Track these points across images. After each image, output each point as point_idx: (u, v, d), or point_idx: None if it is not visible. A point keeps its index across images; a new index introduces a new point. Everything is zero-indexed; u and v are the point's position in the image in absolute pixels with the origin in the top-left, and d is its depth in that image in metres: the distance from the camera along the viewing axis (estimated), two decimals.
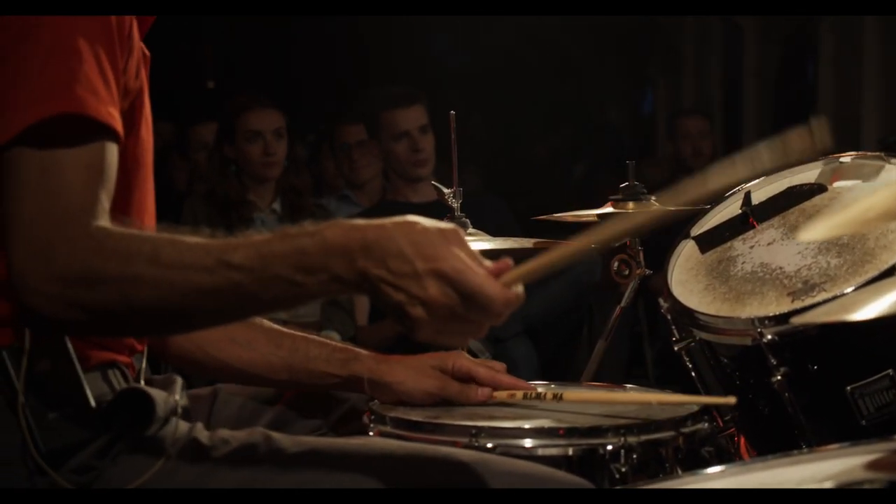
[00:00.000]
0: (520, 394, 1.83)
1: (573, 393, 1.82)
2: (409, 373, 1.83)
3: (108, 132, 1.37)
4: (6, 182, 1.33)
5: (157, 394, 1.49)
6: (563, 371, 3.90)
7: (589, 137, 9.15)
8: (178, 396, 1.54)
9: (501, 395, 1.83)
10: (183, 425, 1.51)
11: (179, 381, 1.60)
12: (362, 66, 8.90)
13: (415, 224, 1.34)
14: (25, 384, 1.40)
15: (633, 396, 1.83)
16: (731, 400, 1.69)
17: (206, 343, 1.81)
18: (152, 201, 1.61)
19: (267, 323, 1.86)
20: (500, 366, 1.88)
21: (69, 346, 1.43)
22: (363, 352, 1.87)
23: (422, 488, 1.46)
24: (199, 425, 1.55)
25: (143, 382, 1.56)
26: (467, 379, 1.83)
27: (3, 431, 1.40)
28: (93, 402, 1.44)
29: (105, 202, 1.35)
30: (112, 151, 1.38)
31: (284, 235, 1.34)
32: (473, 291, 1.31)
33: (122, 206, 1.48)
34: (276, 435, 1.55)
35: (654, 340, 5.16)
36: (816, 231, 1.11)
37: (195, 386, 1.95)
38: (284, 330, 1.86)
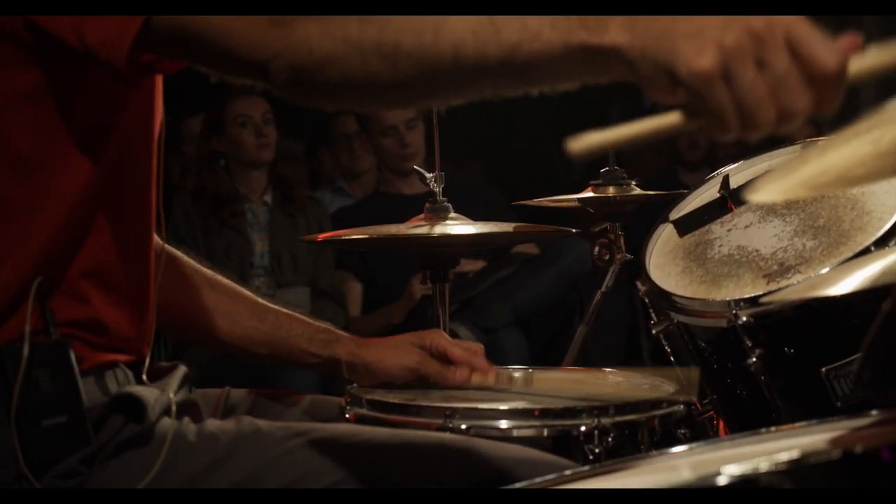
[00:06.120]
0: (492, 376, 1.84)
1: (543, 376, 1.83)
2: (388, 351, 1.84)
3: None
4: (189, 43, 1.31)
5: (149, 394, 1.48)
6: (553, 361, 3.90)
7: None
8: (174, 393, 1.53)
9: (475, 377, 1.84)
10: (171, 424, 1.49)
11: (181, 372, 1.60)
12: None
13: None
14: (21, 388, 1.37)
15: (599, 386, 1.84)
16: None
17: (187, 313, 1.79)
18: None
19: (252, 296, 1.85)
20: (478, 347, 1.89)
21: (69, 348, 1.41)
22: (345, 335, 1.87)
23: (412, 474, 1.47)
24: (186, 420, 1.53)
25: (145, 372, 1.54)
26: (443, 357, 1.84)
27: None
28: (87, 407, 1.42)
29: None
30: None
31: None
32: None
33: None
34: (263, 424, 1.54)
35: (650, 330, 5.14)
36: (768, 193, 1.10)
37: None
38: (269, 305, 1.85)
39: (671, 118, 1.15)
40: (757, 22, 1.10)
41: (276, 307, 1.85)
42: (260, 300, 1.85)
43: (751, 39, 1.09)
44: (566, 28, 1.15)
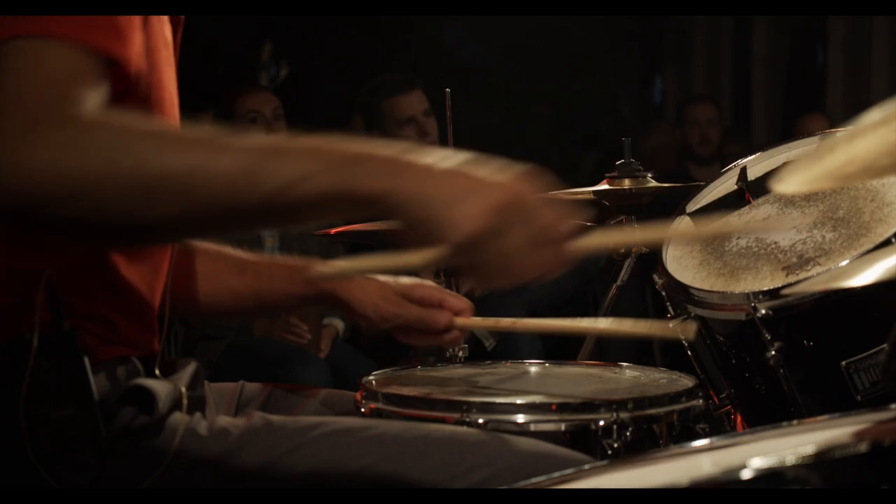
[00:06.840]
0: (477, 319, 1.85)
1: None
2: (369, 296, 1.83)
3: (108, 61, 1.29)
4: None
5: (160, 387, 1.47)
6: (566, 356, 3.88)
7: (600, 127, 9.13)
8: (185, 387, 1.52)
9: (460, 321, 1.83)
10: (183, 418, 1.48)
11: (192, 367, 1.59)
12: (376, 56, 8.90)
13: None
14: (31, 379, 1.36)
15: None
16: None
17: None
18: None
19: (230, 252, 1.84)
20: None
21: (79, 341, 1.40)
22: None
23: (425, 467, 1.45)
24: (198, 416, 1.52)
25: (157, 366, 1.53)
26: (438, 307, 1.83)
27: (4, 427, 1.37)
28: (97, 401, 1.41)
29: (96, 98, 1.26)
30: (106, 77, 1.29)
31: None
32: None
33: None
34: (275, 418, 1.53)
35: None
36: (793, 183, 1.09)
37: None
38: (247, 257, 1.84)
39: (414, 259, 1.34)
40: (508, 187, 1.23)
41: (254, 258, 1.84)
42: (238, 254, 1.83)
43: (510, 203, 1.22)
44: (326, 179, 1.21)
